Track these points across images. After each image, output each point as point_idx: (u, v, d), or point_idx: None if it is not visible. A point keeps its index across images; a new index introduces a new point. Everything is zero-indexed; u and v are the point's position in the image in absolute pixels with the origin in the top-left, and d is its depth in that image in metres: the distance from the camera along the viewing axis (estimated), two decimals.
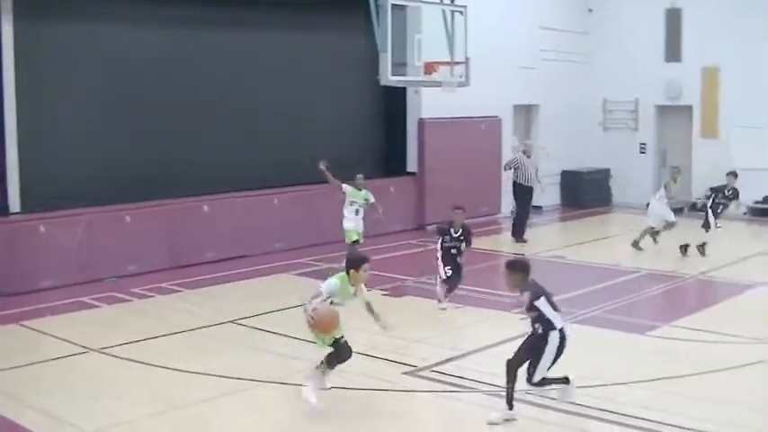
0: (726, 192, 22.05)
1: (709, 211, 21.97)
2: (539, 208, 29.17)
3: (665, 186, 23.23)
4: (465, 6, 21.41)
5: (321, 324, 11.26)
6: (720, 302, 18.23)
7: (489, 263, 20.76)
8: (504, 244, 24.49)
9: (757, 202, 29.34)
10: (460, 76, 21.45)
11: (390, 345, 14.38)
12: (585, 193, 31.45)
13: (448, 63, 21.15)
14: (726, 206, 22.10)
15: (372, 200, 19.88)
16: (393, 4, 19.32)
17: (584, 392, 11.67)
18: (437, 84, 21.39)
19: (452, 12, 21.25)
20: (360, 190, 19.75)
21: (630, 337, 15.27)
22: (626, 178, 31.91)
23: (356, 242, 19.68)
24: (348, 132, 25.46)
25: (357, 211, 19.77)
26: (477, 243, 23.59)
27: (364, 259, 11.78)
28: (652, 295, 19.03)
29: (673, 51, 30.92)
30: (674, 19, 30.67)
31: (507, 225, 27.39)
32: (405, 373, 13.07)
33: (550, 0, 31.05)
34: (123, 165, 20.49)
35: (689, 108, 30.93)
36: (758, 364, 13.70)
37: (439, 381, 12.72)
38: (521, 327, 13.96)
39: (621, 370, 13.17)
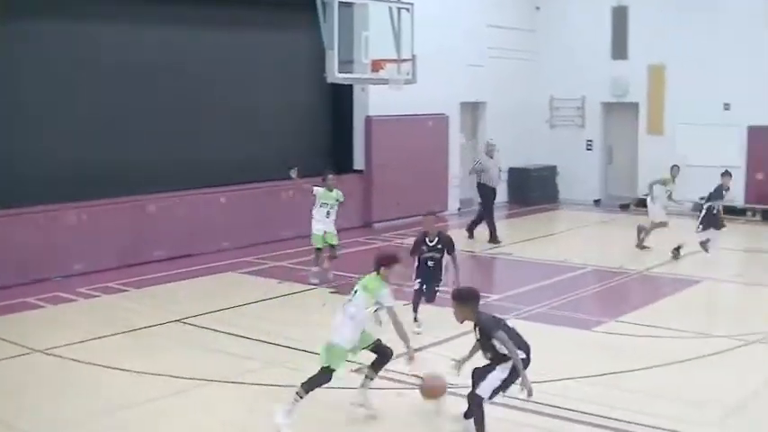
0: (723, 193, 21.75)
1: (703, 211, 21.60)
2: None
3: (664, 184, 22.94)
4: (412, 4, 21.38)
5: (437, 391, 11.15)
6: (666, 298, 18.35)
7: None
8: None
9: (702, 198, 29.48)
10: (407, 74, 21.44)
11: None
12: (532, 189, 31.58)
13: (395, 60, 21.11)
14: (719, 209, 21.78)
15: (342, 200, 19.17)
16: (340, 2, 19.28)
17: (536, 389, 11.71)
18: (384, 81, 21.37)
19: (399, 9, 21.23)
20: (331, 190, 18.93)
21: (577, 333, 15.36)
22: (573, 175, 32.12)
23: (333, 246, 19.06)
24: (295, 130, 25.36)
25: (328, 214, 18.91)
26: None
27: (396, 258, 11.38)
28: (598, 291, 19.15)
29: (619, 49, 31.00)
30: (620, 17, 30.75)
31: (454, 222, 27.51)
32: (353, 371, 13.03)
33: None
34: (69, 164, 20.24)
35: (635, 105, 31.20)
36: (704, 358, 13.83)
37: (387, 378, 12.69)
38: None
39: (570, 366, 13.23)
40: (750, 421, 11.47)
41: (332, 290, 18.23)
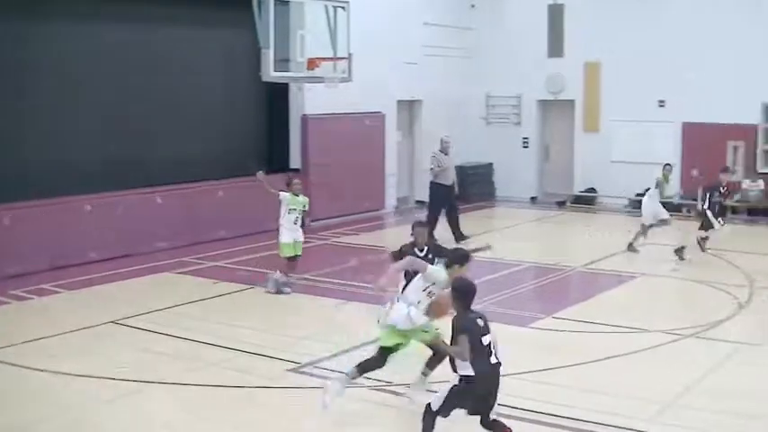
0: (721, 189, 21.56)
1: (708, 211, 21.26)
2: (422, 202, 29.26)
3: (658, 184, 22.58)
4: (347, 2, 21.37)
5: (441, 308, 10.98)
6: (602, 293, 18.47)
7: (374, 258, 20.81)
8: (384, 239, 24.47)
9: (639, 195, 29.76)
10: (343, 72, 21.45)
11: (274, 342, 14.36)
12: (469, 187, 31.53)
13: (331, 59, 21.10)
14: (722, 204, 21.78)
15: (307, 207, 18.42)
16: (276, 0, 19.24)
17: None
18: (320, 80, 21.35)
19: (335, 7, 21.21)
20: (297, 195, 17.99)
21: (514, 330, 15.35)
22: (509, 172, 32.18)
23: (293, 257, 18.05)
24: (230, 129, 25.09)
25: (296, 220, 17.95)
26: (364, 239, 23.76)
27: (469, 258, 11.55)
28: (535, 288, 19.23)
29: (555, 47, 31.25)
30: (556, 14, 30.98)
31: (391, 220, 27.54)
32: (289, 370, 13.01)
33: None
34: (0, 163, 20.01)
35: (571, 102, 31.35)
36: (639, 353, 13.94)
37: (323, 377, 12.64)
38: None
39: (506, 362, 13.19)
40: (684, 415, 11.54)
41: (269, 290, 18.14)
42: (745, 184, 27.75)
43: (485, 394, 9.75)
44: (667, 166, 22.71)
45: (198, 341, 14.52)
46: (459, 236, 23.35)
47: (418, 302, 11.21)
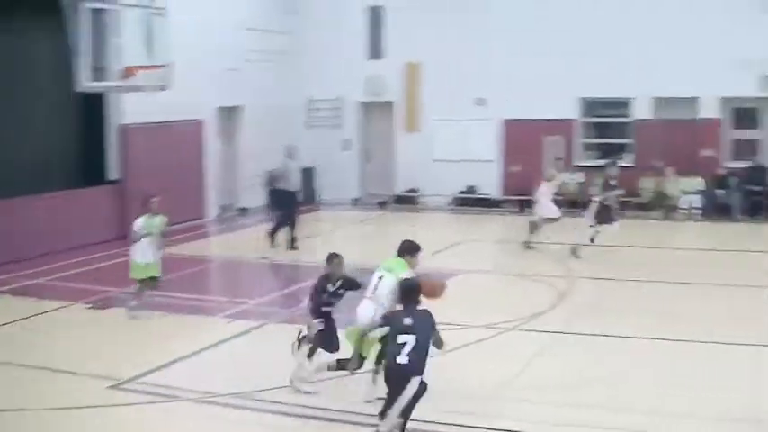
0: (611, 182, 21.56)
1: (596, 207, 21.31)
2: (245, 210, 29.16)
3: (549, 180, 22.80)
4: (164, 8, 21.07)
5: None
6: None
7: (195, 268, 20.66)
8: (207, 248, 24.22)
9: (462, 192, 30.27)
10: (162, 80, 21.17)
11: (94, 359, 14.02)
12: None
13: (149, 67, 20.80)
14: (614, 198, 21.81)
15: (164, 229, 16.72)
16: (89, 7, 18.89)
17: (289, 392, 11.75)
18: (137, 88, 21.03)
19: (152, 14, 20.93)
20: (155, 216, 16.60)
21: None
22: (331, 175, 32.17)
23: (154, 278, 16.60)
24: (41, 141, 23.98)
25: (150, 243, 16.43)
26: (185, 248, 23.41)
27: (419, 247, 12.03)
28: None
29: (375, 49, 31.53)
30: (375, 17, 31.27)
31: (213, 229, 27.33)
32: (110, 387, 12.72)
33: (254, 0, 31.02)
34: None
35: (392, 104, 31.64)
36: (463, 348, 14.07)
37: (145, 392, 12.45)
38: (228, 330, 13.95)
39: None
40: (508, 408, 11.84)
41: (89, 305, 17.70)
42: (565, 177, 28.37)
43: (390, 389, 9.99)
44: (558, 162, 23.09)
45: (14, 363, 14.04)
46: (292, 244, 23.47)
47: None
